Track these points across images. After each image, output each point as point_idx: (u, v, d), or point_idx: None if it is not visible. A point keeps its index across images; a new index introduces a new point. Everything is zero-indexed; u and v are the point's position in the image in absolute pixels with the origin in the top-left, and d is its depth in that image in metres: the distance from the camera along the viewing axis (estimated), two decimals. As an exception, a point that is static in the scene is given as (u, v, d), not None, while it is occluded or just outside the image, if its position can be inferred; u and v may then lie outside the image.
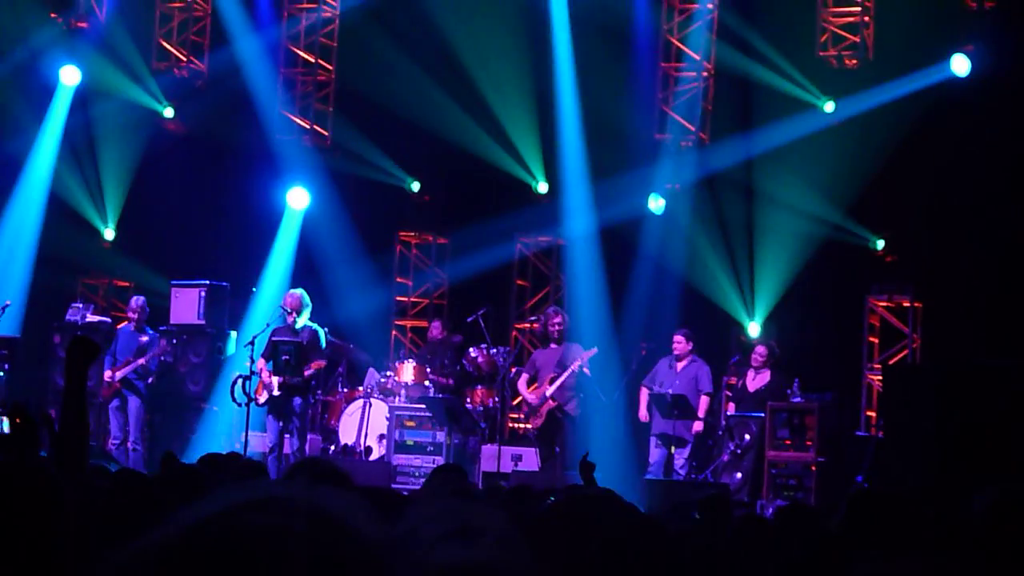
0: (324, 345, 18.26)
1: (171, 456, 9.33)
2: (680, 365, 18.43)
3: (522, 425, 20.15)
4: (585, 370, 18.31)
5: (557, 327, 18.64)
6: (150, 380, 19.05)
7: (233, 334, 20.48)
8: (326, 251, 21.13)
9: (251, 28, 22.29)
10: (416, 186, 22.45)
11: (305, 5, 22.64)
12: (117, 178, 22.53)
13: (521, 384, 18.81)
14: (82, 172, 22.40)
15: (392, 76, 21.35)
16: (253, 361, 18.05)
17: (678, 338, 18.52)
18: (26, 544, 4.13)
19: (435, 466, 17.36)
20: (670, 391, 18.06)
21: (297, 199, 21.34)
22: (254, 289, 20.74)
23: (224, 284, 20.81)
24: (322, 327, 18.29)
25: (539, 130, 21.30)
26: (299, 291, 18.06)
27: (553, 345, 18.62)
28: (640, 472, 17.95)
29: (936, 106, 18.79)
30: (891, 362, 19.36)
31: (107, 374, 18.56)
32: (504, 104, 21.00)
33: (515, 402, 20.00)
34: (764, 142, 20.11)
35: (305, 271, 20.52)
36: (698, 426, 18.18)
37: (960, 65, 18.68)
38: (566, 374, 18.06)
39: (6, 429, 9.08)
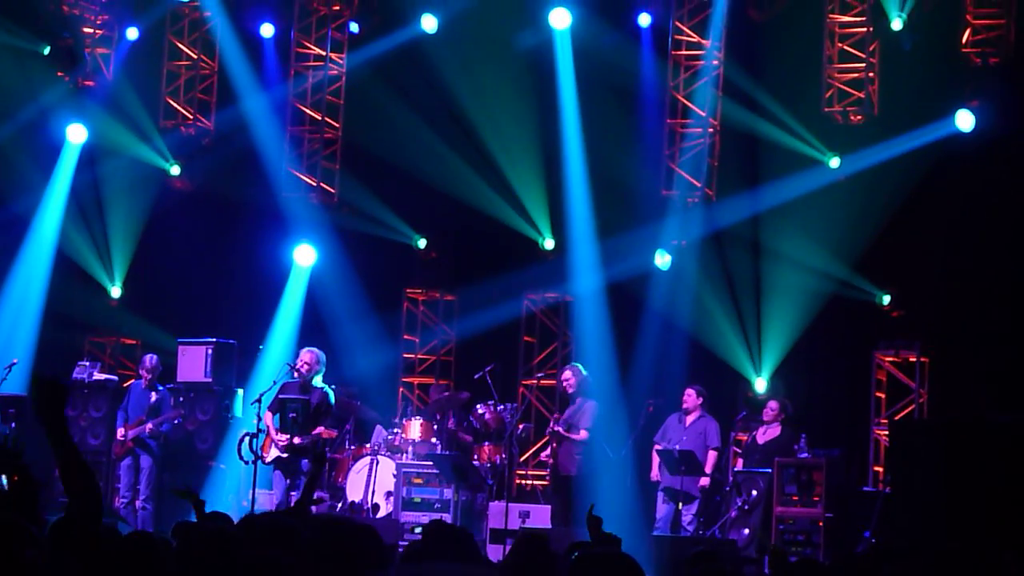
0: (332, 404, 18.02)
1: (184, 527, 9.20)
2: (689, 420, 18.41)
3: (529, 482, 20.17)
4: (583, 433, 18.39)
5: (564, 383, 18.68)
6: (162, 439, 18.97)
7: (240, 392, 20.38)
8: (333, 308, 21.10)
9: (258, 86, 22.37)
10: (423, 243, 22.46)
11: (312, 64, 22.68)
12: (124, 235, 22.55)
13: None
14: (89, 230, 22.40)
15: (399, 133, 21.39)
16: (260, 419, 18.04)
17: (689, 392, 18.44)
18: None
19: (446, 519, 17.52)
20: (677, 447, 18.01)
21: (304, 256, 21.43)
22: (261, 347, 20.71)
23: (231, 342, 20.74)
24: (330, 386, 18.08)
25: (546, 187, 21.34)
26: (316, 350, 17.85)
27: (576, 401, 18.61)
28: (648, 528, 17.88)
29: (941, 162, 18.76)
30: (898, 417, 19.21)
31: (119, 432, 18.58)
32: (511, 161, 21.03)
33: (522, 459, 19.99)
34: (770, 198, 20.07)
35: (312, 328, 20.47)
36: (704, 481, 18.14)
37: (965, 121, 18.61)
38: (575, 436, 18.20)
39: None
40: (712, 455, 18.27)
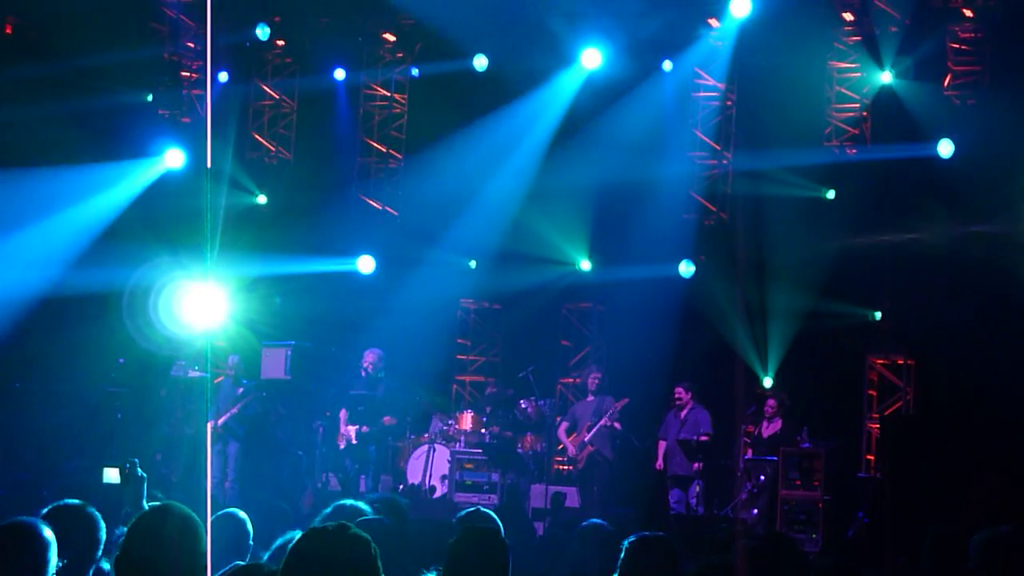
0: (395, 397, 18.54)
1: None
2: (683, 413, 18.67)
3: (565, 467, 20.14)
4: (615, 424, 18.67)
5: (595, 381, 19.00)
6: (248, 424, 19.02)
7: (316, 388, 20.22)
8: (397, 315, 20.78)
9: (332, 124, 22.48)
10: (473, 264, 22.38)
11: (378, 103, 22.82)
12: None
13: (561, 432, 19.15)
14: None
15: (454, 161, 21.30)
16: (334, 412, 18.68)
17: (679, 390, 18.74)
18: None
19: (490, 503, 17.60)
20: (695, 437, 18.37)
21: (365, 266, 21.57)
22: (333, 348, 20.57)
23: (308, 344, 20.67)
24: (393, 382, 18.61)
25: (586, 216, 21.18)
26: (378, 350, 18.44)
27: (590, 397, 18.93)
28: (665, 509, 18.18)
29: (921, 189, 18.82)
30: (887, 412, 19.48)
31: (211, 423, 18.57)
32: (557, 193, 20.61)
33: (560, 447, 19.90)
34: (775, 221, 19.82)
35: (378, 331, 20.00)
36: (696, 465, 18.41)
37: (945, 149, 18.69)
38: (601, 422, 18.49)
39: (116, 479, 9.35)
40: (704, 438, 18.50)
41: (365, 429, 18.28)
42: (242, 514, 7.51)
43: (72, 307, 18.98)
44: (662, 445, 18.83)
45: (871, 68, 19.64)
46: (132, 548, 4.97)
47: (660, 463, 18.76)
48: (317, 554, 4.21)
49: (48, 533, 5.32)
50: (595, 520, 8.21)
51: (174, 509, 5.17)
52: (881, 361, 19.97)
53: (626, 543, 6.59)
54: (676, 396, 18.86)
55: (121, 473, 7.85)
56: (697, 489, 18.34)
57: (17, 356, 18.89)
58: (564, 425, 19.23)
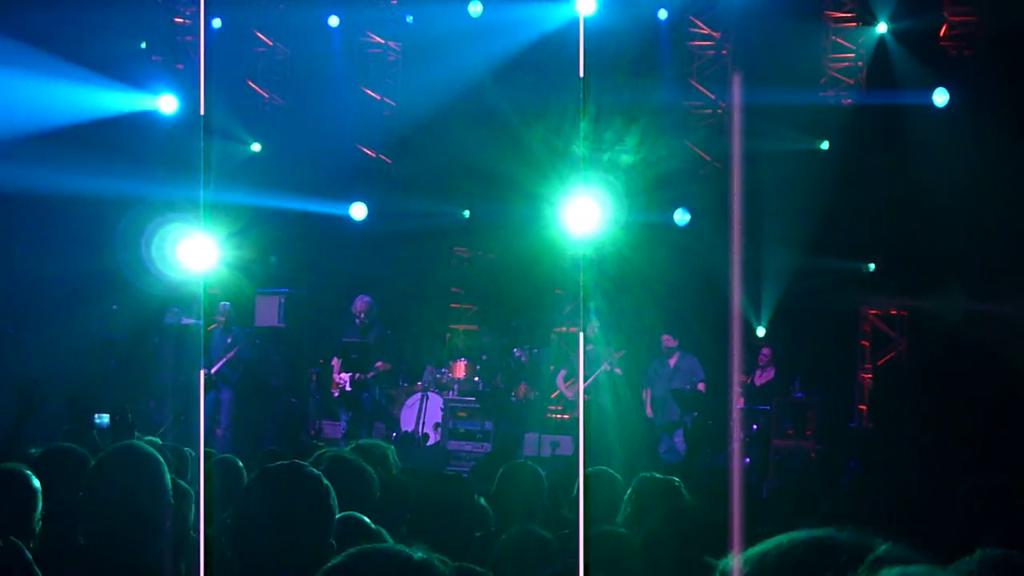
0: (387, 342, 18.58)
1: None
2: (672, 361, 18.68)
3: (559, 415, 19.85)
4: (616, 370, 18.53)
5: (592, 330, 18.81)
6: (240, 369, 19.06)
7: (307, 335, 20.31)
8: (388, 261, 20.99)
9: (326, 70, 22.35)
10: (467, 213, 22.09)
11: (372, 51, 22.80)
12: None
13: (559, 379, 19.11)
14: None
15: (445, 111, 21.07)
16: (327, 359, 18.64)
17: (666, 337, 18.78)
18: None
19: (483, 451, 17.86)
20: (688, 387, 18.38)
21: (358, 212, 21.39)
22: (327, 296, 20.70)
23: (302, 291, 20.89)
24: (386, 329, 18.63)
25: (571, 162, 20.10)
26: (367, 297, 18.42)
27: (590, 346, 18.79)
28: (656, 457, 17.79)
29: (915, 142, 18.62)
30: (880, 363, 19.57)
31: (203, 371, 18.56)
32: (536, 138, 20.05)
33: (553, 395, 19.79)
34: (768, 172, 19.33)
35: (371, 279, 20.12)
36: (701, 386, 18.47)
37: (940, 98, 18.62)
38: (598, 371, 18.38)
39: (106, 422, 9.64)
40: (702, 385, 18.54)
41: (358, 376, 18.20)
42: (238, 462, 7.68)
43: (65, 249, 18.93)
44: (648, 394, 18.83)
45: (868, 17, 19.61)
46: (95, 487, 5.03)
47: (649, 411, 18.74)
48: (270, 491, 4.44)
49: (35, 480, 5.40)
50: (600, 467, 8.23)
51: (135, 448, 5.26)
52: (874, 312, 20.09)
53: (634, 481, 6.77)
54: (664, 344, 18.83)
55: (111, 420, 7.93)
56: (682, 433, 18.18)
57: (10, 304, 18.87)
58: (562, 372, 19.21)
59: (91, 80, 19.65)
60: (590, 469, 7.90)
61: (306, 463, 4.80)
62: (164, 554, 5.01)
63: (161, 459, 5.12)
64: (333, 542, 4.40)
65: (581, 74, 13.65)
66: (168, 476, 5.10)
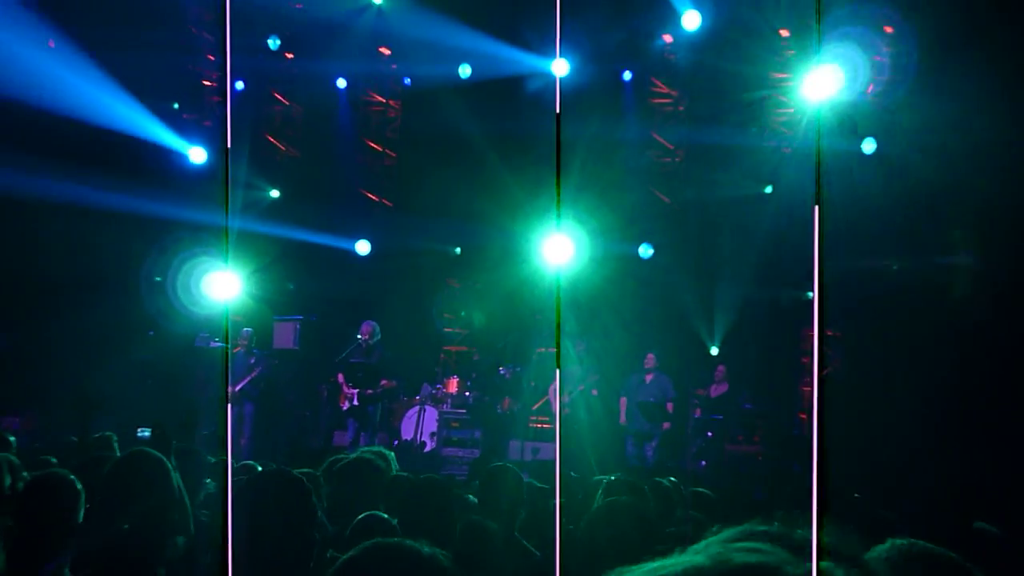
0: (389, 366, 18.58)
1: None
2: (648, 378, 18.71)
3: (540, 424, 19.88)
4: (593, 391, 18.63)
5: (581, 350, 18.95)
6: (262, 385, 19.00)
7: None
8: (390, 292, 20.81)
9: (334, 126, 22.40)
10: (458, 250, 22.22)
11: (374, 108, 22.91)
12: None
13: (550, 391, 19.13)
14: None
15: (440, 164, 21.03)
16: (336, 377, 18.76)
17: (650, 356, 18.81)
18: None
19: (473, 456, 17.79)
20: (653, 399, 18.47)
21: (362, 248, 21.32)
22: (336, 323, 20.47)
23: (313, 318, 20.86)
24: (387, 351, 18.64)
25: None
26: (372, 322, 18.50)
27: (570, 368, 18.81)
28: (624, 461, 18.01)
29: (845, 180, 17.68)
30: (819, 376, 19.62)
31: (229, 389, 18.09)
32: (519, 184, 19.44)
33: (535, 407, 19.63)
34: (721, 213, 19.88)
35: (374, 306, 19.89)
36: (666, 425, 18.45)
37: (868, 147, 18.19)
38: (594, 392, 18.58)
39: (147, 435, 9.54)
40: (670, 404, 18.60)
41: (369, 392, 18.30)
42: (257, 466, 7.69)
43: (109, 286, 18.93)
44: (624, 402, 18.86)
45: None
46: (108, 491, 5.07)
47: (623, 418, 18.78)
48: (259, 493, 4.50)
49: (78, 483, 5.42)
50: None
51: (144, 454, 5.27)
52: (810, 332, 19.72)
53: (605, 481, 7.00)
54: (647, 363, 18.87)
55: (152, 434, 7.99)
56: (655, 444, 18.38)
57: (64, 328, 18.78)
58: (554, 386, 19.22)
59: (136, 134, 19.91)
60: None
61: (290, 469, 4.91)
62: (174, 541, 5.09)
63: (168, 464, 5.16)
64: (317, 536, 4.53)
65: (557, 133, 13.51)
66: (174, 477, 5.14)
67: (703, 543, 1.91)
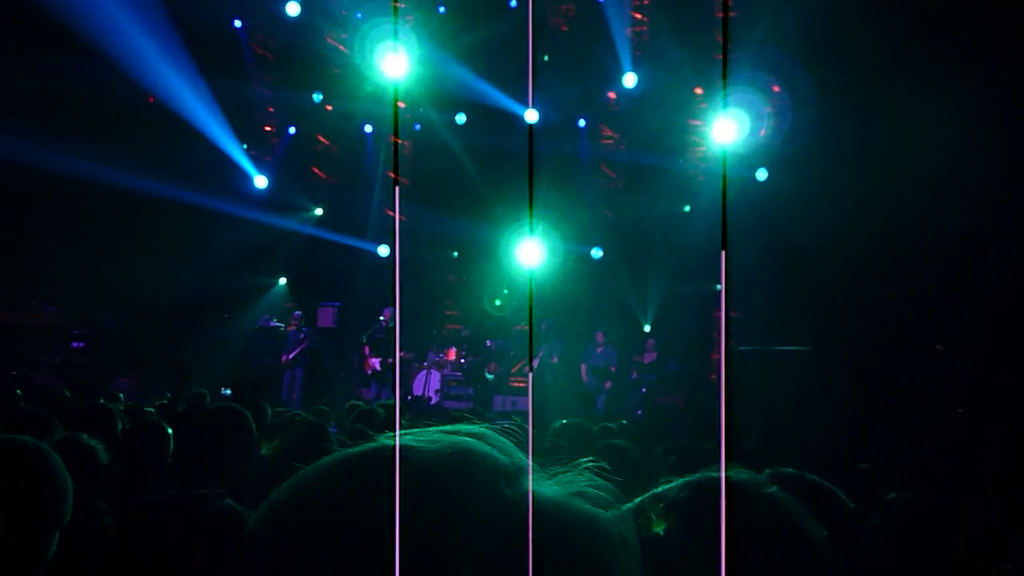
0: (404, 340, 18.85)
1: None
2: (599, 350, 18.76)
3: (517, 383, 19.63)
4: (553, 359, 18.68)
5: (543, 327, 18.97)
6: (308, 356, 18.87)
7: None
8: (405, 285, 20.04)
9: (363, 162, 22.34)
10: (456, 254, 22.23)
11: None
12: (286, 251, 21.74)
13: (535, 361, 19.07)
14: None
15: (451, 185, 20.91)
16: (363, 350, 19.02)
17: (598, 334, 18.82)
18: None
19: (468, 407, 18.21)
20: (601, 365, 18.54)
21: (383, 251, 20.74)
22: (366, 307, 19.85)
23: (347, 303, 20.77)
24: (402, 330, 18.95)
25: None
26: (391, 308, 18.52)
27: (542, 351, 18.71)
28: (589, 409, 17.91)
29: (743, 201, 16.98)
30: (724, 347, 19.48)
31: (284, 357, 18.61)
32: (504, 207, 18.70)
33: (514, 370, 19.60)
34: (654, 229, 19.60)
35: (393, 295, 19.20)
36: (608, 383, 18.50)
37: (761, 175, 17.63)
38: (540, 354, 18.70)
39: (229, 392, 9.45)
40: (613, 368, 18.67)
41: (390, 361, 18.44)
42: (309, 416, 7.59)
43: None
44: (584, 368, 18.81)
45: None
46: (201, 434, 4.56)
47: (585, 378, 18.77)
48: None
49: (168, 428, 5.21)
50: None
51: (231, 409, 4.78)
52: (719, 314, 19.94)
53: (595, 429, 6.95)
54: (597, 339, 18.84)
55: (233, 391, 8.14)
56: (603, 397, 18.50)
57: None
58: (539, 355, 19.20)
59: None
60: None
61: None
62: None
63: (246, 413, 4.65)
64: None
65: (529, 166, 13.52)
66: (254, 426, 4.59)
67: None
